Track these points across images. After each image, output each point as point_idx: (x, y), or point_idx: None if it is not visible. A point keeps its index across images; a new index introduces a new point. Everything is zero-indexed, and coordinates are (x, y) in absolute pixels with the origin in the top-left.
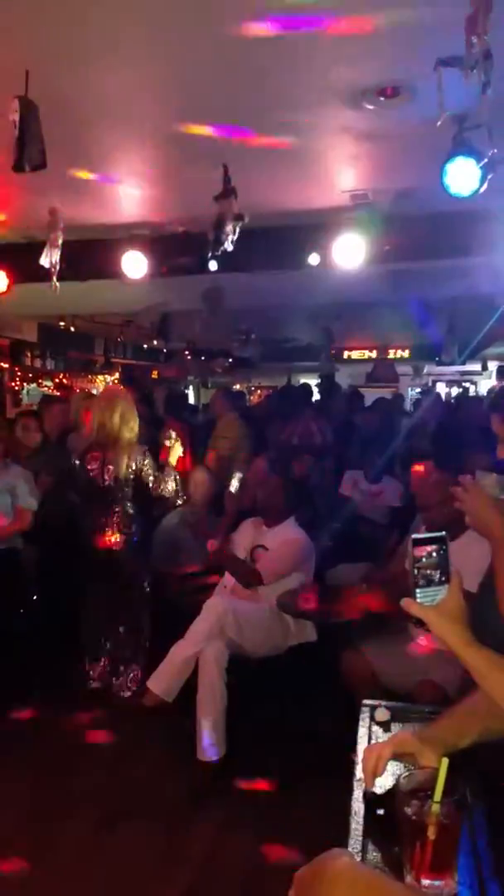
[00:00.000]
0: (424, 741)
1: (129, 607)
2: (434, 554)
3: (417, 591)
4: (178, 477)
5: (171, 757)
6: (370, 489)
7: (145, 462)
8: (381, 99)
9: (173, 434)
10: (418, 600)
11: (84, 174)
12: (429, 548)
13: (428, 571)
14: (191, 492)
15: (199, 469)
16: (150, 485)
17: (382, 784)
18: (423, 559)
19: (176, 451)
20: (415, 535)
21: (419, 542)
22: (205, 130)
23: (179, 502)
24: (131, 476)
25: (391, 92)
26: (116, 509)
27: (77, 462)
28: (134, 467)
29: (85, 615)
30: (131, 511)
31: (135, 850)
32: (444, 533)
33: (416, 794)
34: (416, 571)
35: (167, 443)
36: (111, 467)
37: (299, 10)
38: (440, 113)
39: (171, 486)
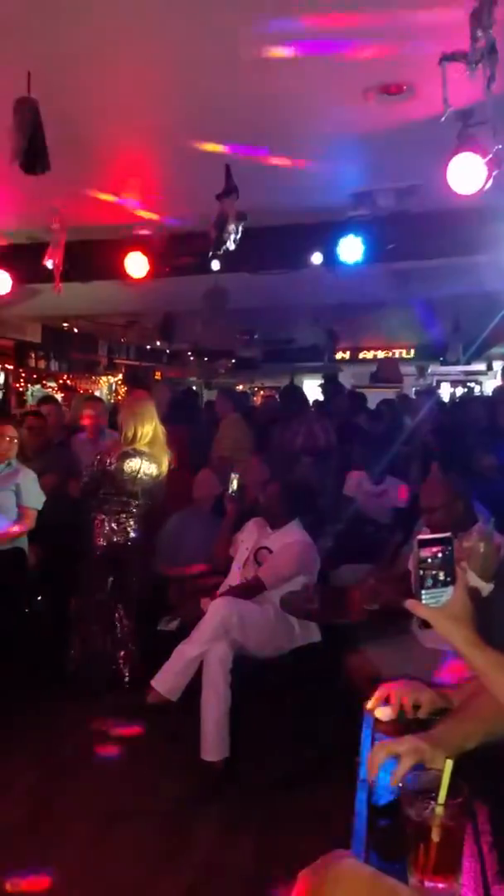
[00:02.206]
0: (435, 745)
1: (125, 605)
2: (440, 555)
3: (423, 592)
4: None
5: (174, 757)
6: (374, 490)
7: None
8: (386, 96)
9: None
10: (424, 601)
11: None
12: (434, 549)
13: (434, 572)
14: (194, 492)
15: (203, 470)
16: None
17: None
18: (429, 560)
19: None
20: (420, 536)
21: (425, 543)
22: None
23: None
24: (138, 478)
25: (395, 89)
26: (129, 508)
27: (111, 463)
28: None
29: (81, 611)
30: (135, 511)
31: (137, 849)
32: (449, 534)
33: (419, 795)
34: (421, 572)
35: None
36: (147, 469)
37: (304, 9)
38: (444, 109)
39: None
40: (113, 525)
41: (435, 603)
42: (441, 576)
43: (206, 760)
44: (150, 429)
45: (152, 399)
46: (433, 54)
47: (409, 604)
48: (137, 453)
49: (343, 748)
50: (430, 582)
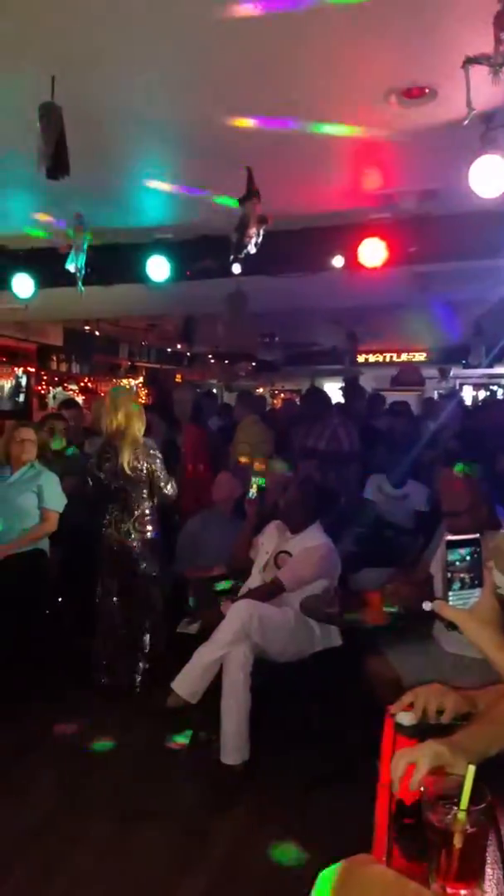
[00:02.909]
0: (456, 751)
1: (140, 605)
2: (467, 557)
3: (450, 594)
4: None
5: (193, 759)
6: (395, 493)
7: (155, 462)
8: (407, 99)
9: None
10: (451, 603)
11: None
12: (462, 550)
13: (461, 575)
14: (213, 494)
15: (222, 472)
16: (161, 485)
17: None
18: (457, 562)
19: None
20: (448, 538)
21: (453, 545)
22: (231, 127)
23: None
24: (143, 474)
25: (417, 92)
26: (131, 508)
27: (92, 460)
28: (144, 466)
29: (100, 612)
30: (147, 512)
31: (156, 851)
32: (477, 535)
33: (442, 801)
34: (449, 574)
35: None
36: (120, 463)
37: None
38: (468, 112)
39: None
40: (115, 526)
41: (462, 605)
42: (468, 578)
43: (225, 764)
44: (118, 422)
45: (132, 395)
46: (456, 57)
47: (437, 605)
48: (109, 447)
49: (364, 752)
50: (457, 584)
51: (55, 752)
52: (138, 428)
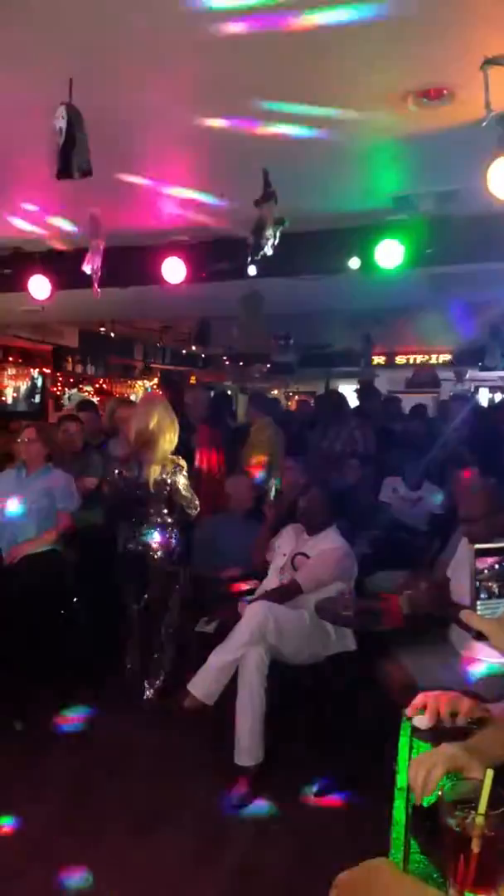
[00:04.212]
0: (472, 753)
1: (160, 613)
2: (496, 566)
3: (479, 603)
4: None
5: (208, 761)
6: (410, 496)
7: (179, 478)
8: (425, 100)
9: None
10: (479, 612)
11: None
12: (491, 559)
13: (489, 584)
14: (229, 496)
15: (238, 474)
16: (184, 504)
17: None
18: (486, 571)
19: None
20: (477, 546)
21: (482, 553)
22: (248, 129)
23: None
24: (166, 489)
25: (435, 93)
26: (153, 518)
27: (116, 471)
28: (168, 480)
29: (123, 620)
30: (170, 520)
31: (170, 854)
32: None
33: (460, 805)
34: (477, 584)
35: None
36: (147, 475)
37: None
38: (486, 113)
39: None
40: (133, 537)
41: (491, 614)
42: (497, 588)
43: (239, 765)
44: (151, 432)
45: (166, 403)
46: (475, 58)
47: (465, 615)
48: (134, 457)
49: (379, 755)
50: (485, 594)
51: (68, 752)
52: (170, 440)
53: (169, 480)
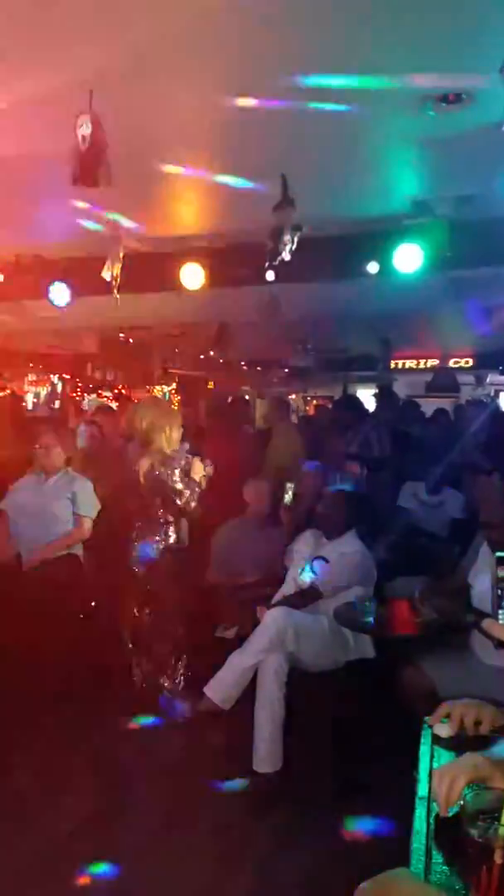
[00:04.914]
0: (495, 764)
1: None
2: None
3: (500, 611)
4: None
5: (226, 766)
6: (430, 501)
7: (171, 470)
8: (443, 105)
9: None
10: (501, 621)
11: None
12: None
13: None
14: (246, 502)
15: (256, 479)
16: (177, 499)
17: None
18: None
19: (198, 469)
20: (499, 553)
21: (503, 562)
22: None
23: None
24: (159, 485)
25: (453, 98)
26: (152, 516)
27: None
28: (157, 472)
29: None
30: (170, 519)
31: (189, 859)
32: None
33: (482, 815)
34: (499, 591)
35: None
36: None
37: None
38: None
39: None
40: (141, 537)
41: None
42: None
43: (258, 771)
44: (141, 430)
45: (163, 405)
46: (493, 63)
47: (487, 624)
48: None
49: (400, 763)
50: None
51: (87, 757)
52: (167, 438)
53: (157, 472)
